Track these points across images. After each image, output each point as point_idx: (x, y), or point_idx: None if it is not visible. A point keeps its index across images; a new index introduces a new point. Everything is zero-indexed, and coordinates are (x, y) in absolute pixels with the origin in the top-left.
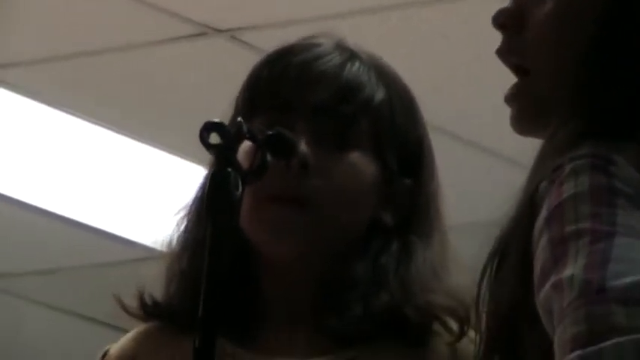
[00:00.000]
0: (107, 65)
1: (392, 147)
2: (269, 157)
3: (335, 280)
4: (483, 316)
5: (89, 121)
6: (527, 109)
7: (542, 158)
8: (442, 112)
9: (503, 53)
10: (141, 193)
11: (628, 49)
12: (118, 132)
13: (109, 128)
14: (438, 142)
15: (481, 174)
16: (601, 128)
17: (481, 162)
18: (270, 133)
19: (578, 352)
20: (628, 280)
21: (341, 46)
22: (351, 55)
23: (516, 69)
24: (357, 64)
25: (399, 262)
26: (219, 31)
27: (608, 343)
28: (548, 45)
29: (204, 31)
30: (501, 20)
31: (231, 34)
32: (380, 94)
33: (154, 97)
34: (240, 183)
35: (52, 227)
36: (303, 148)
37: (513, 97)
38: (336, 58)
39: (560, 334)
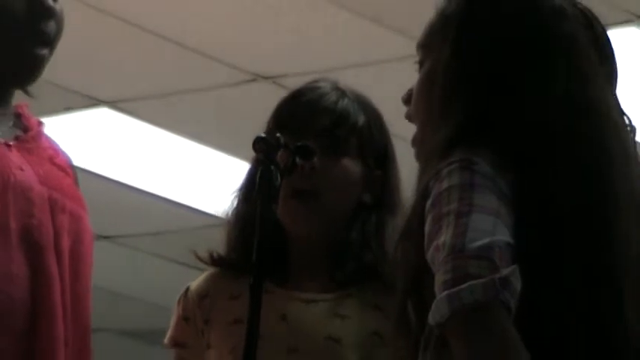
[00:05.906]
0: (194, 103)
1: (370, 152)
2: (297, 160)
3: (338, 244)
4: (399, 272)
5: (180, 135)
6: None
7: (425, 164)
8: None
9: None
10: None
11: (469, 85)
12: (201, 143)
13: (195, 141)
14: None
15: None
16: (462, 140)
17: None
18: (299, 144)
19: (446, 292)
20: (479, 243)
21: (335, 87)
22: (342, 93)
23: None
24: (346, 100)
25: (377, 228)
26: (266, 77)
27: (465, 285)
28: (417, 98)
29: (254, 78)
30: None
31: (274, 80)
32: (362, 119)
33: (222, 123)
34: (279, 176)
35: (161, 206)
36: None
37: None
38: (332, 97)
39: (437, 280)
